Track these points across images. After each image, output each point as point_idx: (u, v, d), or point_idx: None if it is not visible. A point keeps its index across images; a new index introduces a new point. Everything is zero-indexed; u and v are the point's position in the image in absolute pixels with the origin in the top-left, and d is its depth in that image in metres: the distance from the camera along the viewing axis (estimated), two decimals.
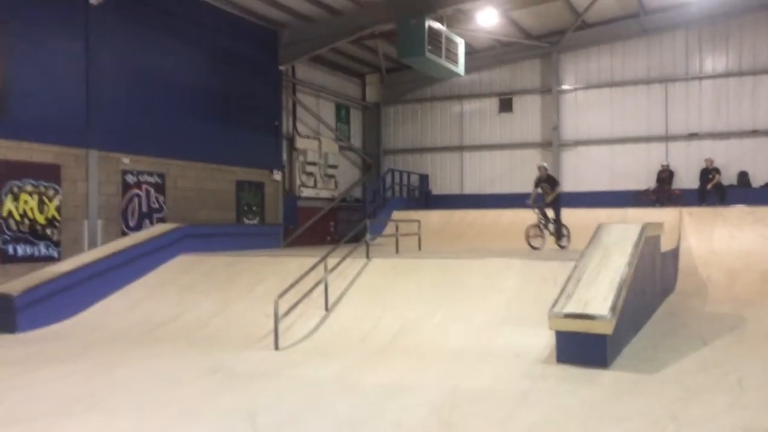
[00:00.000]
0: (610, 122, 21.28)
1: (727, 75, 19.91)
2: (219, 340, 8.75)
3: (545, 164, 14.02)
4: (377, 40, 20.50)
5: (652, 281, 9.96)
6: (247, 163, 17.75)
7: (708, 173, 17.92)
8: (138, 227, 14.28)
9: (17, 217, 12.22)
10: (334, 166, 21.95)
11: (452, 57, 16.64)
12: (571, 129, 21.79)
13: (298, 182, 20.39)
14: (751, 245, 13.05)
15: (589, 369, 6.76)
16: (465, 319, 8.61)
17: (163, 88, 15.25)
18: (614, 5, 19.66)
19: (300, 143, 20.43)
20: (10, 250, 12.10)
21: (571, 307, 7.24)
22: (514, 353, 7.44)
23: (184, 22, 15.83)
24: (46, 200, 12.73)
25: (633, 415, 5.33)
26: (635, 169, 20.61)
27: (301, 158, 20.43)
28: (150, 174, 14.96)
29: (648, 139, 20.74)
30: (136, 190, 14.62)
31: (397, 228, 12.96)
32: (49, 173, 12.84)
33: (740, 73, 19.72)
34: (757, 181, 19.33)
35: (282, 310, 8.40)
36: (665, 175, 19.45)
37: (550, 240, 13.19)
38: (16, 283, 10.20)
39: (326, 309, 9.35)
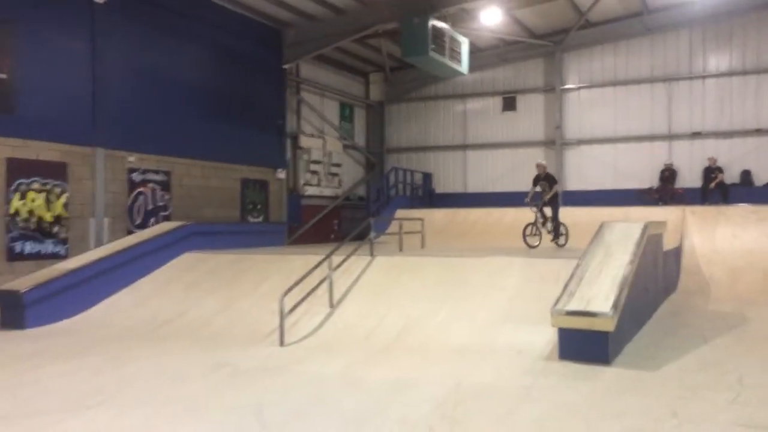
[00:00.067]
0: (613, 121, 21.31)
1: (730, 74, 19.92)
2: (224, 337, 8.83)
3: (544, 162, 14.01)
4: (381, 39, 20.56)
5: (654, 279, 10.02)
6: (251, 162, 17.84)
7: (711, 172, 17.94)
8: (144, 225, 14.37)
9: (25, 215, 12.33)
10: (338, 165, 22.03)
11: (456, 56, 16.70)
12: (574, 128, 21.83)
13: (302, 181, 20.46)
14: (754, 244, 13.10)
15: (591, 366, 6.82)
16: (468, 316, 8.68)
17: (169, 87, 15.35)
18: (617, 4, 19.69)
19: (304, 142, 20.51)
20: (18, 247, 12.21)
21: (574, 305, 7.31)
22: (516, 350, 7.51)
23: (190, 21, 15.92)
24: (53, 198, 12.84)
25: (634, 411, 5.40)
26: (638, 168, 20.65)
27: (305, 157, 20.51)
28: (156, 172, 15.07)
29: (651, 138, 20.77)
30: (142, 189, 14.72)
31: (400, 226, 13.02)
32: (56, 171, 12.95)
33: (744, 72, 19.74)
34: (760, 180, 19.35)
35: (287, 308, 8.47)
36: (668, 174, 19.50)
37: (546, 238, 13.12)
38: (25, 279, 10.29)
39: (331, 306, 9.42)
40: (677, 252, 12.75)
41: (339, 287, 9.79)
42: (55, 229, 12.87)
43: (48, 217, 12.75)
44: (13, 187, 12.18)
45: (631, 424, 5.10)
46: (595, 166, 21.42)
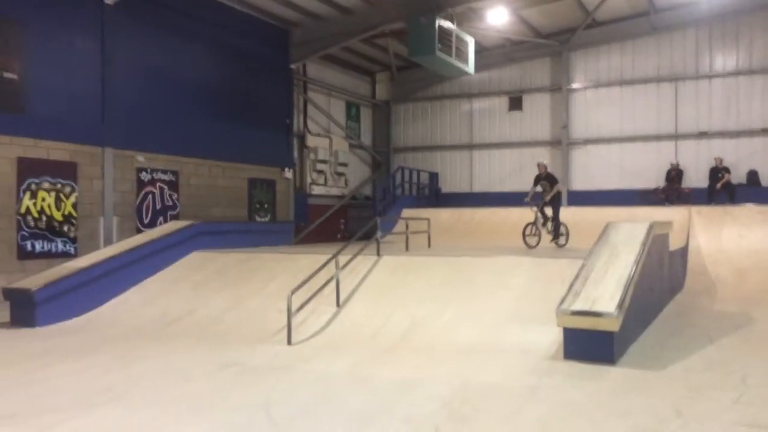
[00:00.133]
0: (619, 121, 21.30)
1: (737, 73, 19.88)
2: (232, 335, 8.88)
3: (545, 161, 13.98)
4: (388, 39, 20.61)
5: (660, 279, 10.03)
6: (258, 161, 17.93)
7: (718, 172, 17.91)
8: (152, 224, 14.49)
9: (35, 214, 12.46)
10: (345, 164, 22.10)
11: (462, 55, 16.73)
12: (580, 127, 21.82)
13: (308, 180, 20.55)
14: (760, 244, 13.09)
15: (596, 365, 6.84)
16: (474, 316, 8.71)
17: (177, 87, 15.45)
18: (624, 3, 19.67)
19: (311, 141, 20.59)
20: (28, 246, 12.34)
21: (579, 305, 7.33)
22: (522, 350, 7.55)
23: (197, 21, 16.02)
24: (62, 197, 12.96)
25: (638, 410, 5.43)
26: (644, 168, 20.63)
27: (311, 156, 20.59)
28: (164, 172, 15.18)
29: (658, 138, 20.75)
30: (151, 188, 14.83)
31: (407, 226, 13.06)
32: (66, 171, 13.07)
33: (751, 72, 19.69)
34: (766, 180, 19.30)
35: (294, 306, 8.53)
36: (674, 174, 19.47)
37: (546, 238, 13.10)
38: (35, 278, 10.37)
39: (338, 305, 9.47)
40: (683, 252, 12.75)
41: (346, 286, 9.84)
42: (65, 227, 12.99)
43: (58, 216, 12.87)
44: (23, 187, 12.30)
45: (636, 423, 5.13)
46: (601, 165, 21.41)
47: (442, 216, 17.28)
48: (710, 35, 20.22)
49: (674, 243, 11.69)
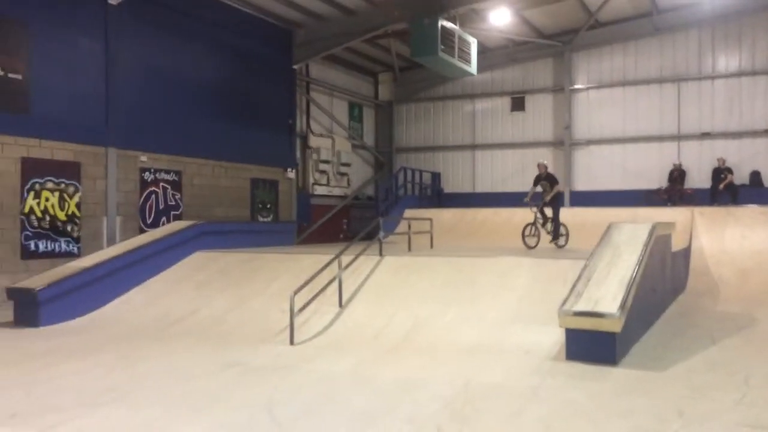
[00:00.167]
0: (622, 121, 21.29)
1: (740, 74, 19.87)
2: (235, 335, 8.90)
3: (545, 162, 13.95)
4: (390, 39, 20.65)
5: (663, 280, 10.03)
6: (261, 161, 17.96)
7: (720, 173, 17.89)
8: (155, 224, 14.52)
9: (39, 214, 12.50)
10: (347, 164, 22.12)
11: (465, 56, 16.74)
12: (583, 128, 21.82)
13: (311, 180, 20.58)
14: (763, 245, 13.08)
15: (598, 366, 6.85)
16: (476, 317, 8.72)
17: (180, 87, 15.49)
18: (627, 4, 19.67)
19: (313, 141, 20.62)
20: (32, 246, 12.38)
21: (581, 305, 7.33)
22: (524, 350, 7.55)
23: (200, 22, 16.05)
24: (66, 197, 13.00)
25: (640, 411, 5.44)
26: (647, 169, 20.63)
27: (314, 156, 20.61)
28: (167, 172, 15.21)
29: (660, 139, 20.74)
30: (154, 188, 14.87)
31: (409, 226, 13.07)
32: (70, 171, 13.10)
33: (753, 73, 19.69)
34: None
35: (297, 307, 8.54)
36: (677, 175, 19.46)
37: (545, 238, 13.06)
38: (39, 278, 10.39)
39: (340, 306, 9.49)
40: (686, 253, 12.75)
41: (348, 287, 9.84)
42: (69, 227, 13.03)
43: (61, 215, 12.91)
44: (27, 186, 12.34)
45: (638, 424, 5.14)
46: (603, 166, 21.41)
47: (444, 216, 17.28)
48: (713, 36, 20.21)
49: (677, 244, 11.68)
